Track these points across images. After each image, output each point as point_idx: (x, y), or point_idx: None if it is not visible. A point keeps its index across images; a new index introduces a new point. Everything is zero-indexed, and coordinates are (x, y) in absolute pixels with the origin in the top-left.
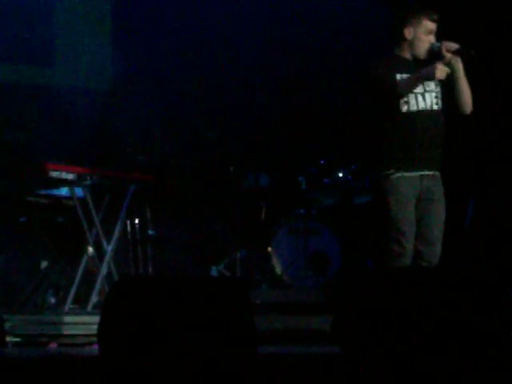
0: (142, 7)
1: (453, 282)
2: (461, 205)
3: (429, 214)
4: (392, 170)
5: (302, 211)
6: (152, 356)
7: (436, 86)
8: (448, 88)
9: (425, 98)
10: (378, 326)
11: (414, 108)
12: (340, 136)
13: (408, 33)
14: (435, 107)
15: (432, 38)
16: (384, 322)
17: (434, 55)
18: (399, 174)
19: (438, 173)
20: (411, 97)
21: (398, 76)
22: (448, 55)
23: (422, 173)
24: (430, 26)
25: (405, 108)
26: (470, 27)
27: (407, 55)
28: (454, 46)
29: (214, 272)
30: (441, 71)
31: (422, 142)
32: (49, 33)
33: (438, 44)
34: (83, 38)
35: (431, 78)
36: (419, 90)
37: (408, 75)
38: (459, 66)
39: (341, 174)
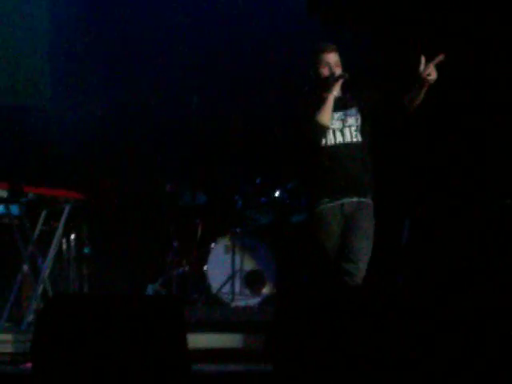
0: (80, 22)
1: (381, 300)
2: (396, 225)
3: (354, 237)
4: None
5: (237, 230)
6: (85, 375)
7: (356, 120)
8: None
9: (343, 133)
10: (311, 345)
11: (331, 142)
12: (275, 155)
13: None
14: (354, 140)
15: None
16: (316, 340)
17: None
18: (323, 206)
19: (363, 199)
20: (329, 132)
21: None
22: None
23: (343, 201)
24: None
25: (323, 142)
26: None
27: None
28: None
29: (149, 290)
30: None
31: (343, 173)
32: None
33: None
34: (21, 55)
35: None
36: (338, 125)
37: None
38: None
39: (277, 193)
